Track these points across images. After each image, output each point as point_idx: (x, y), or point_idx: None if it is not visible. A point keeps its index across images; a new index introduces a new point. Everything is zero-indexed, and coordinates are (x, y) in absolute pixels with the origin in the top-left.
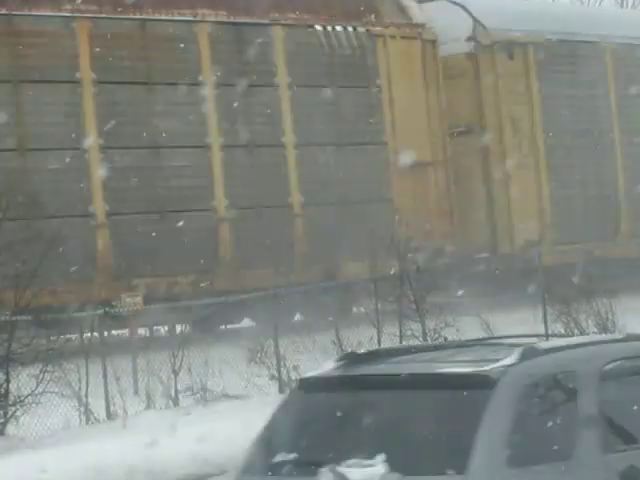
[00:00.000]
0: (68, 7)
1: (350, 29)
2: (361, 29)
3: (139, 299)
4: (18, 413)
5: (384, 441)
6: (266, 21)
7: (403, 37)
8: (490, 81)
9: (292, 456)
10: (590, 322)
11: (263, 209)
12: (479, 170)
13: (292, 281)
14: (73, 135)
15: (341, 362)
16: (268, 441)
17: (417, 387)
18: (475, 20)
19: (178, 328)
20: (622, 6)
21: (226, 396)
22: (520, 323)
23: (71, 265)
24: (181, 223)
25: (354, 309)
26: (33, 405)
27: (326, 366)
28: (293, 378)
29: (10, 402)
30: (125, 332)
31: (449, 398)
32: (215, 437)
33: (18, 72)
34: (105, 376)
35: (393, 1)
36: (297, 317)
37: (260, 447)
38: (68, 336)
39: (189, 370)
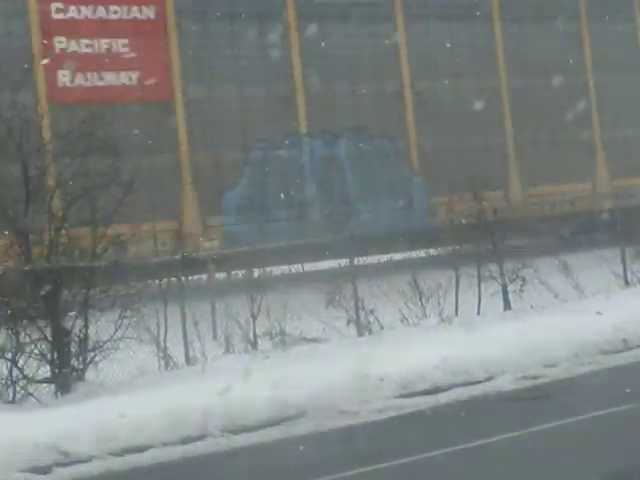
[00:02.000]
0: None
1: None
2: None
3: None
4: (97, 359)
5: None
6: None
7: None
8: None
9: None
10: None
11: None
12: None
13: None
14: None
15: None
16: None
17: None
18: None
19: (256, 272)
20: None
21: (304, 339)
22: (598, 264)
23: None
24: None
25: (431, 251)
26: (112, 351)
27: None
28: (371, 321)
29: (89, 348)
30: (203, 276)
31: None
32: (293, 380)
33: None
34: (184, 321)
35: None
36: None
37: None
38: (146, 281)
39: (267, 314)
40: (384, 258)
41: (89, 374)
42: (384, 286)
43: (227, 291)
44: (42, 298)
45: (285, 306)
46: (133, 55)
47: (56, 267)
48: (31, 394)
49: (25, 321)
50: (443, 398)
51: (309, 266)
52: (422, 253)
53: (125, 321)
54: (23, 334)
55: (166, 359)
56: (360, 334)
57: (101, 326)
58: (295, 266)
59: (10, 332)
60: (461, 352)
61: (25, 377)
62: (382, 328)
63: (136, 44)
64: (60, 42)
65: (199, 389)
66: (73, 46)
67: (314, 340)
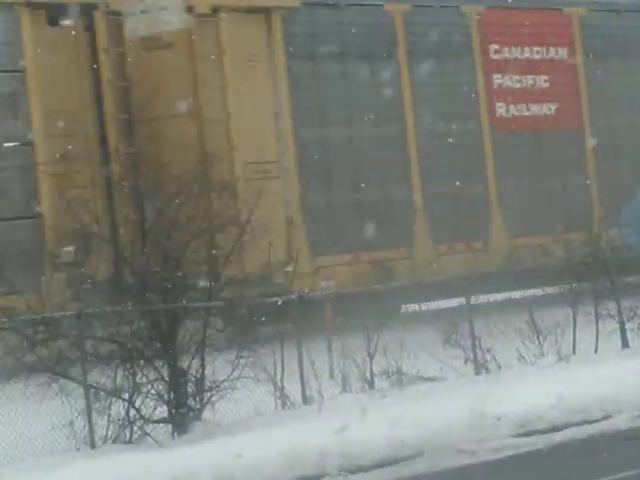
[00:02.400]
0: None
1: None
2: None
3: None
4: (214, 398)
5: None
6: None
7: None
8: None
9: None
10: None
11: None
12: None
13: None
14: None
15: None
16: None
17: None
18: None
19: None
20: None
21: (421, 378)
22: None
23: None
24: None
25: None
26: (229, 390)
27: None
28: (488, 360)
29: (206, 388)
30: (320, 316)
31: None
32: (410, 419)
33: None
34: (300, 360)
35: None
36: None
37: None
38: (263, 321)
39: (384, 353)
40: (500, 297)
41: (206, 414)
42: (501, 324)
43: (344, 330)
44: (159, 338)
45: (402, 345)
46: None
47: (172, 307)
48: (148, 434)
49: (142, 361)
50: (560, 437)
51: (426, 305)
52: (539, 291)
53: (242, 361)
54: (140, 374)
55: (283, 398)
56: (477, 373)
57: (218, 366)
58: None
59: (127, 372)
60: (578, 391)
61: (142, 417)
62: (499, 367)
63: None
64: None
65: (316, 428)
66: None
67: (431, 379)
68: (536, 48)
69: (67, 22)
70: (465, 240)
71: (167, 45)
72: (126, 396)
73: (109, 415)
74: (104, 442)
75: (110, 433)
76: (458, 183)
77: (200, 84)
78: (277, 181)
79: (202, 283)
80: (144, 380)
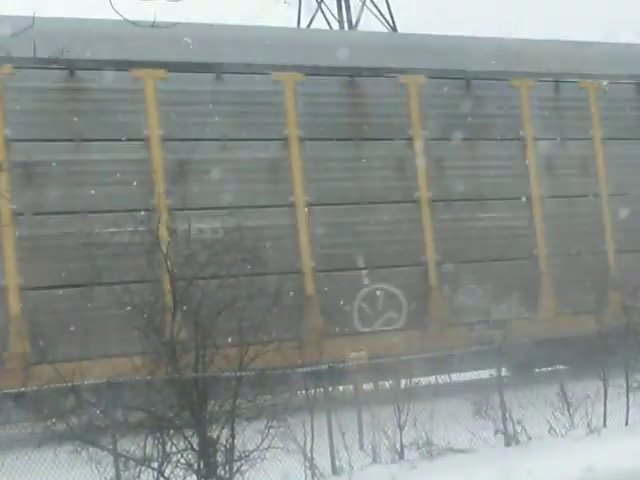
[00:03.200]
0: None
1: None
2: None
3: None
4: (243, 468)
5: None
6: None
7: None
8: None
9: None
10: None
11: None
12: None
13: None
14: None
15: None
16: None
17: None
18: None
19: (403, 382)
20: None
21: (451, 450)
22: None
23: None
24: None
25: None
26: (258, 460)
27: None
28: (518, 431)
29: (235, 457)
30: (350, 387)
31: None
32: None
33: None
34: (330, 431)
35: None
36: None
37: None
38: (293, 391)
39: (414, 424)
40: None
41: None
42: (531, 396)
43: (373, 401)
44: (189, 408)
45: (432, 416)
46: None
47: (203, 377)
48: None
49: (172, 430)
50: None
51: (455, 376)
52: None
53: (272, 431)
54: (170, 444)
55: (312, 469)
56: (507, 444)
57: (247, 435)
58: (442, 376)
59: (157, 441)
60: (608, 463)
61: None
62: (529, 438)
63: None
64: None
65: None
66: None
67: (461, 450)
68: None
69: None
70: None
71: None
72: (155, 465)
73: None
74: None
75: None
76: None
77: None
78: None
79: (232, 353)
80: (174, 449)
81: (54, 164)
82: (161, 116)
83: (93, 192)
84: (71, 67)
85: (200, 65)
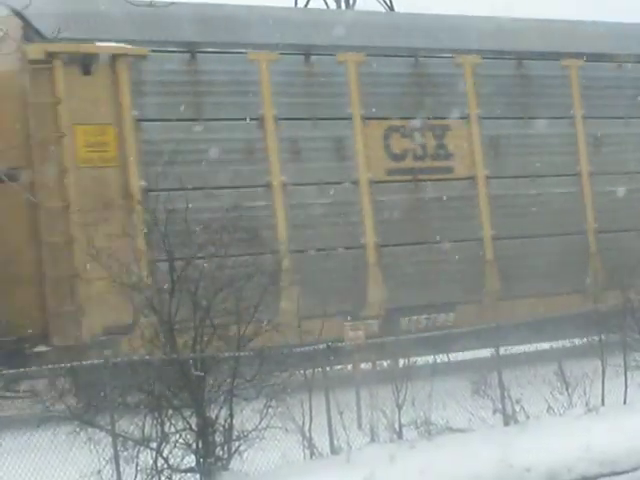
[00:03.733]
0: None
1: None
2: None
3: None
4: (242, 448)
5: None
6: None
7: None
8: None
9: None
10: None
11: None
12: None
13: None
14: None
15: None
16: None
17: None
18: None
19: (401, 361)
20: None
21: (450, 429)
22: None
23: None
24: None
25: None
26: (257, 440)
27: None
28: (517, 410)
29: (234, 437)
30: (348, 366)
31: None
32: (439, 470)
33: None
34: (328, 410)
35: None
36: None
37: None
38: (291, 371)
39: (412, 403)
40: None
41: (234, 464)
42: (530, 375)
43: (372, 380)
44: (187, 387)
45: (430, 395)
46: None
47: (201, 357)
48: None
49: (170, 411)
50: None
51: (454, 355)
52: (567, 343)
53: (270, 410)
54: (168, 424)
55: (311, 448)
56: (506, 423)
57: (246, 415)
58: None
59: (155, 422)
60: (607, 442)
61: (170, 467)
62: (528, 417)
63: None
64: None
65: (344, 478)
66: None
67: (460, 430)
68: None
69: None
70: None
71: None
72: (154, 445)
73: (137, 464)
74: None
75: None
76: None
77: None
78: None
79: (231, 332)
80: (172, 429)
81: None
82: None
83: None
84: None
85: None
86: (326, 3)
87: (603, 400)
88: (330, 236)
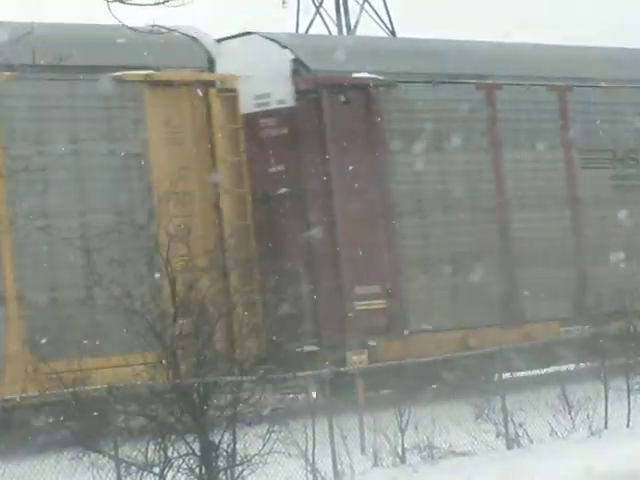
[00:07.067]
0: None
1: None
2: None
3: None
4: (245, 473)
5: None
6: None
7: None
8: None
9: None
10: None
11: None
12: None
13: None
14: None
15: None
16: None
17: None
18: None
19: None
20: None
21: (453, 453)
22: None
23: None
24: None
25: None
26: (260, 465)
27: None
28: (520, 434)
29: (237, 462)
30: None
31: None
32: None
33: None
34: (332, 435)
35: None
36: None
37: None
38: (294, 395)
39: (416, 427)
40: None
41: None
42: (532, 399)
43: (375, 405)
44: (190, 413)
45: (433, 419)
46: None
47: (204, 382)
48: None
49: (173, 436)
50: None
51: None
52: (571, 367)
53: (273, 435)
54: (171, 449)
55: (314, 473)
56: (509, 447)
57: (249, 440)
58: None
59: (158, 447)
60: (610, 465)
61: None
62: (531, 441)
63: None
64: None
65: None
66: None
67: (463, 453)
68: None
69: None
70: None
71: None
72: (157, 470)
73: None
74: None
75: None
76: None
77: None
78: None
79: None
80: (175, 454)
81: None
82: None
83: None
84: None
85: None
86: (327, 28)
87: (606, 423)
88: None
